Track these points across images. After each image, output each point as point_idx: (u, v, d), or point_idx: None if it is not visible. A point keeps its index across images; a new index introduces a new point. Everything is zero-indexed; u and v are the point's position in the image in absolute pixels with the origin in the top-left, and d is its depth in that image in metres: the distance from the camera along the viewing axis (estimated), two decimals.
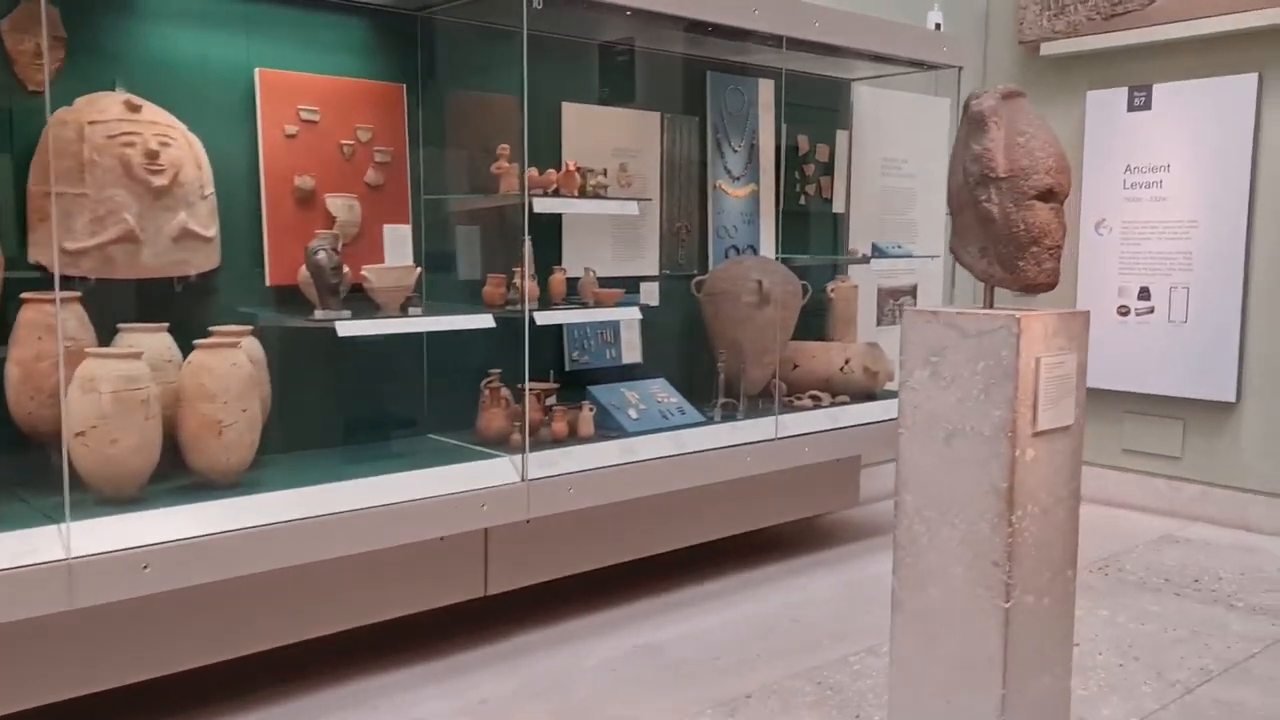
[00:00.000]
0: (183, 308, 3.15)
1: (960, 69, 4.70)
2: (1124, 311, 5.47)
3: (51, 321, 2.69)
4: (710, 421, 4.08)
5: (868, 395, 4.64)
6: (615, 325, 4.28)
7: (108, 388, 2.65)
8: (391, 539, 3.05)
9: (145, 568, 2.55)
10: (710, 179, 4.56)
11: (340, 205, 3.43)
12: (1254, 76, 4.98)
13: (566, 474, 3.46)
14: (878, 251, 4.75)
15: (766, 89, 4.72)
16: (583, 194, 3.75)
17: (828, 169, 5.02)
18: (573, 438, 3.68)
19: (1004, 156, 2.16)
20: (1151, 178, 5.33)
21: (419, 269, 3.44)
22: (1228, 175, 5.07)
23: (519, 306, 3.48)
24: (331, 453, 3.43)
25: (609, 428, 3.86)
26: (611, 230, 4.28)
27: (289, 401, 3.32)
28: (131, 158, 2.92)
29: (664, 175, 4.43)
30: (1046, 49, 5.66)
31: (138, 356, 2.77)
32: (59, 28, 2.91)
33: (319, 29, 3.43)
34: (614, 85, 4.24)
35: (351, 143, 3.47)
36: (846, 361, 4.65)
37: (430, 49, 3.66)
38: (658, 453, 3.73)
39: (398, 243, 3.57)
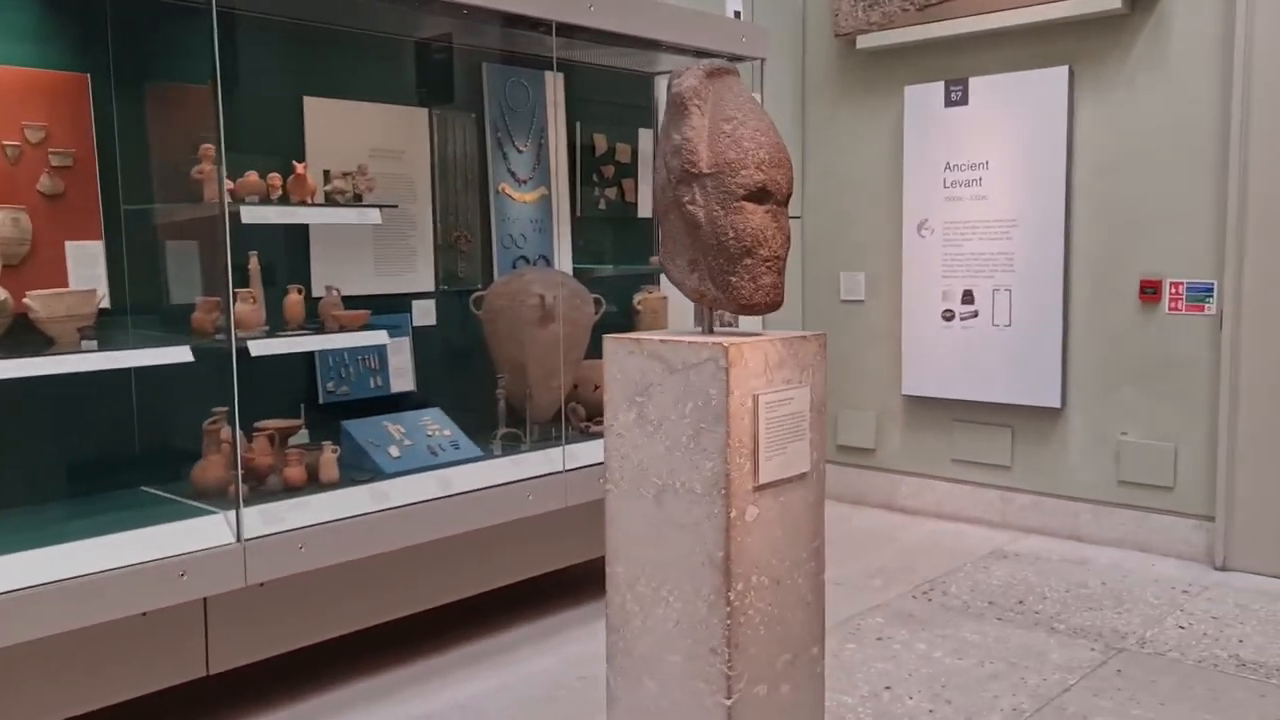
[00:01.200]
0: None
1: (762, 60, 4.36)
2: (948, 316, 5.23)
3: None
4: (488, 456, 3.62)
5: None
6: (380, 351, 3.77)
7: None
8: (60, 622, 2.48)
9: None
10: (492, 182, 4.10)
11: (2, 219, 2.83)
12: (1065, 69, 4.78)
13: (296, 529, 2.94)
14: None
15: (555, 83, 4.29)
16: (329, 201, 3.24)
17: (630, 171, 4.62)
18: (313, 484, 3.16)
19: (707, 148, 1.76)
20: (971, 175, 5.10)
21: (100, 293, 2.88)
22: (1044, 171, 4.87)
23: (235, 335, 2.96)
24: (13, 515, 2.82)
25: (363, 469, 3.36)
26: (375, 242, 3.77)
27: None
28: None
29: (436, 178, 3.94)
30: (863, 42, 5.39)
31: None
32: None
33: None
34: (370, 77, 3.74)
35: (17, 144, 2.89)
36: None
37: (125, 32, 3.10)
38: (417, 496, 3.25)
39: (85, 261, 3.00)
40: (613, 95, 4.56)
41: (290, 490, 3.09)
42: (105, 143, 3.07)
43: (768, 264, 1.77)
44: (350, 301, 3.62)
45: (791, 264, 5.68)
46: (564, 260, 4.33)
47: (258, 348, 2.93)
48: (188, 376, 2.93)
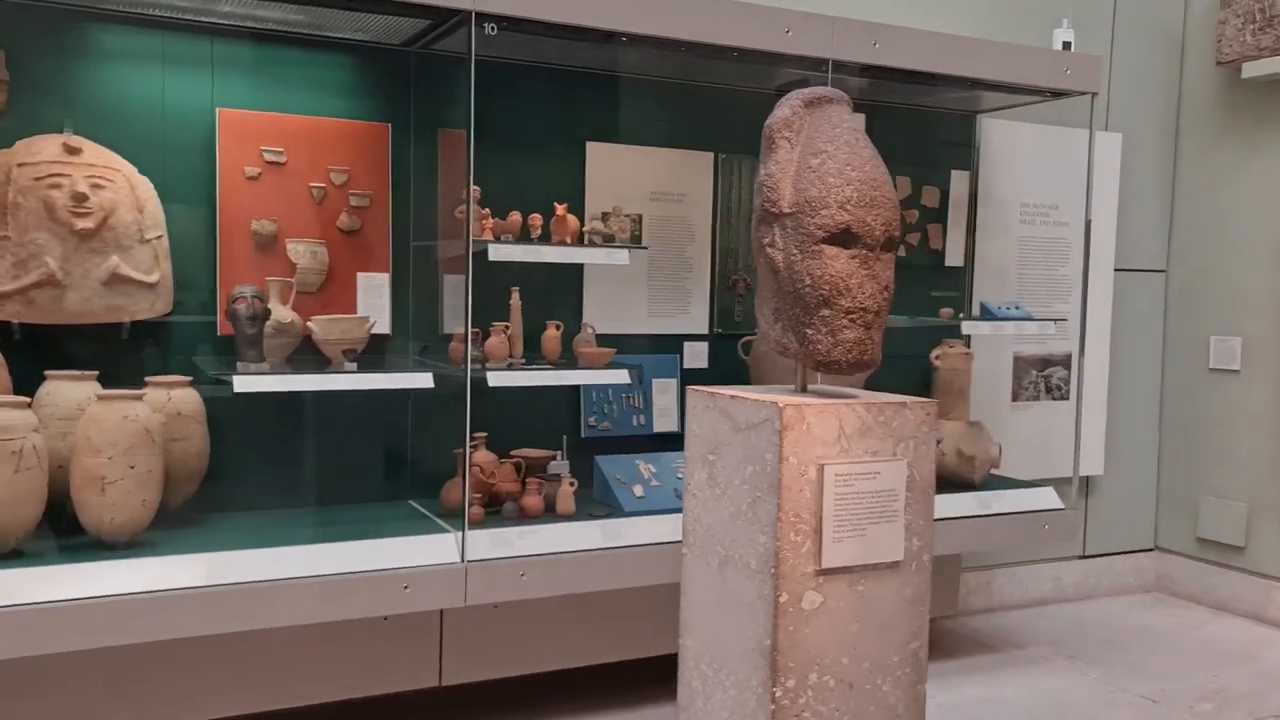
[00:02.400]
0: (129, 355, 3.06)
1: (1093, 95, 3.87)
2: None
3: None
4: None
5: (963, 485, 3.87)
6: (644, 389, 3.81)
7: None
8: (280, 618, 2.75)
9: None
10: None
11: (301, 251, 3.23)
12: None
13: (520, 556, 3.03)
14: (986, 313, 3.97)
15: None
16: (585, 242, 3.35)
17: (938, 215, 4.30)
18: (549, 514, 3.25)
19: (791, 185, 1.56)
20: None
21: (372, 320, 3.17)
22: None
23: (483, 364, 3.13)
24: (274, 515, 3.19)
25: (606, 504, 3.40)
26: (649, 283, 3.83)
27: (230, 459, 3.14)
28: (56, 200, 2.85)
29: (716, 221, 3.93)
30: (1250, 70, 4.61)
31: (22, 405, 2.66)
32: (2, 70, 2.91)
33: (296, 66, 3.28)
34: (653, 122, 3.82)
35: (323, 185, 3.28)
36: (936, 443, 3.89)
37: (425, 85, 3.41)
38: (648, 538, 3.22)
39: (372, 292, 3.32)
40: (920, 136, 4.28)
41: (526, 518, 3.20)
42: (400, 185, 3.39)
43: (851, 316, 1.54)
44: (621, 341, 3.70)
45: (1151, 325, 5.00)
46: None
47: (494, 379, 3.08)
48: (456, 401, 3.12)
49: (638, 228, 3.77)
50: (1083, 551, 5.00)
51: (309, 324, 3.08)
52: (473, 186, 3.03)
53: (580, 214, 3.49)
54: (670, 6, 3.14)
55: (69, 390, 2.86)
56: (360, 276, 3.30)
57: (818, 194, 1.55)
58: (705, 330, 3.94)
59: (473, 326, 3.28)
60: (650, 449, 3.70)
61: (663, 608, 3.30)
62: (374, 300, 3.32)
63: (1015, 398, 4.62)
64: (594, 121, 3.70)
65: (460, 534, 2.99)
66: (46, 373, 2.90)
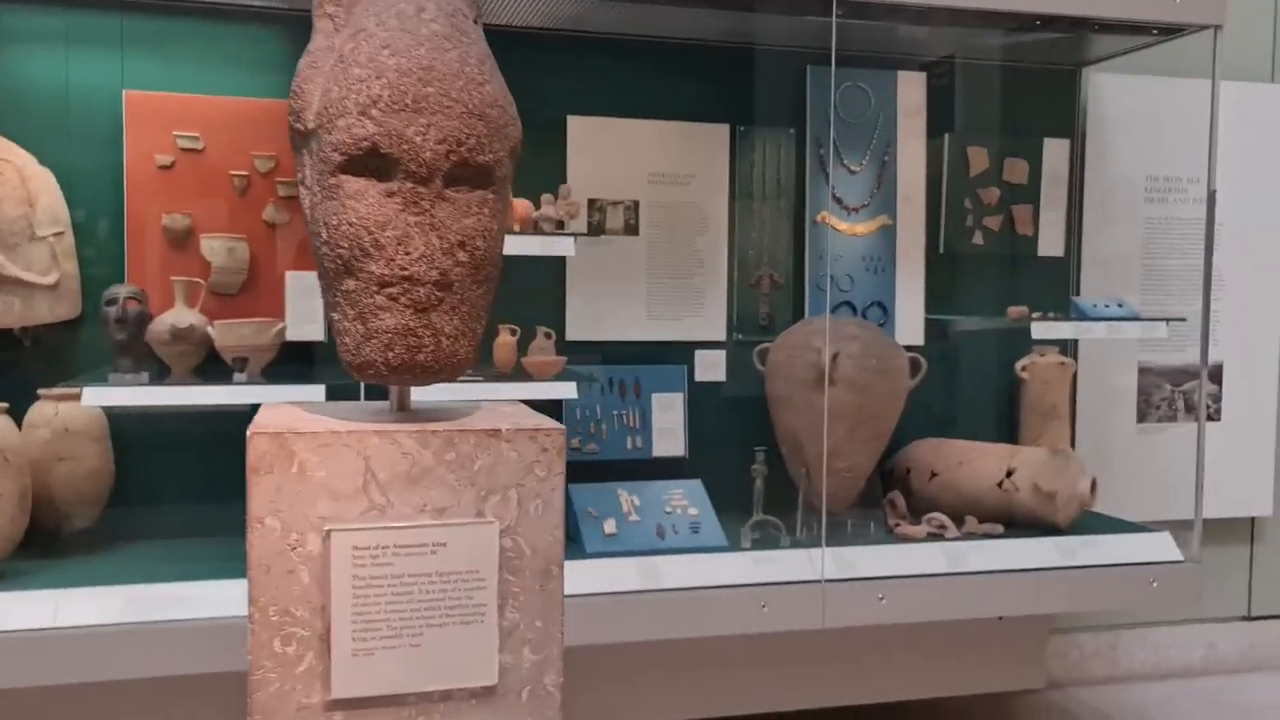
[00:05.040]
0: (32, 364, 2.78)
1: (1217, 28, 2.99)
2: None
3: None
4: (731, 548, 2.88)
5: (1047, 529, 3.06)
6: (642, 405, 3.23)
7: None
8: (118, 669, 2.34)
9: None
10: (809, 211, 3.34)
11: (217, 247, 2.86)
12: None
13: None
14: (1078, 312, 3.15)
15: (911, 84, 3.38)
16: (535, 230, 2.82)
17: (1027, 194, 3.49)
18: None
19: (321, 88, 0.98)
20: None
21: (280, 324, 2.76)
22: None
23: None
24: (173, 547, 2.80)
25: (570, 541, 2.85)
26: (649, 280, 3.26)
27: (139, 482, 2.81)
28: None
29: (735, 207, 3.31)
30: None
31: None
32: None
33: (214, 41, 2.92)
34: (654, 90, 3.24)
35: (246, 173, 2.90)
36: (1008, 474, 3.11)
37: None
38: (603, 586, 2.64)
39: (303, 292, 2.92)
40: (1002, 97, 3.50)
41: None
42: None
43: (389, 291, 0.94)
44: (610, 349, 3.17)
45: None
46: (912, 307, 3.39)
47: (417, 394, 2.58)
48: None
49: (632, 215, 3.21)
50: (1247, 613, 4.00)
51: (208, 328, 2.69)
52: None
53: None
54: None
55: None
56: (289, 276, 2.91)
57: (338, 95, 0.97)
58: (722, 336, 3.32)
59: None
60: (650, 477, 3.12)
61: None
62: (307, 302, 2.91)
63: (1142, 418, 3.72)
64: (577, 91, 3.16)
65: None
66: None
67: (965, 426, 3.45)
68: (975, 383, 3.54)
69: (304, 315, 2.90)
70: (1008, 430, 3.51)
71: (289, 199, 2.94)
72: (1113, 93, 3.58)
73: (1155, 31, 3.07)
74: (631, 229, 3.20)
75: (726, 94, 3.28)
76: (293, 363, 2.84)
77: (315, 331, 2.89)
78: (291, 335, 2.81)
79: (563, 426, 1.33)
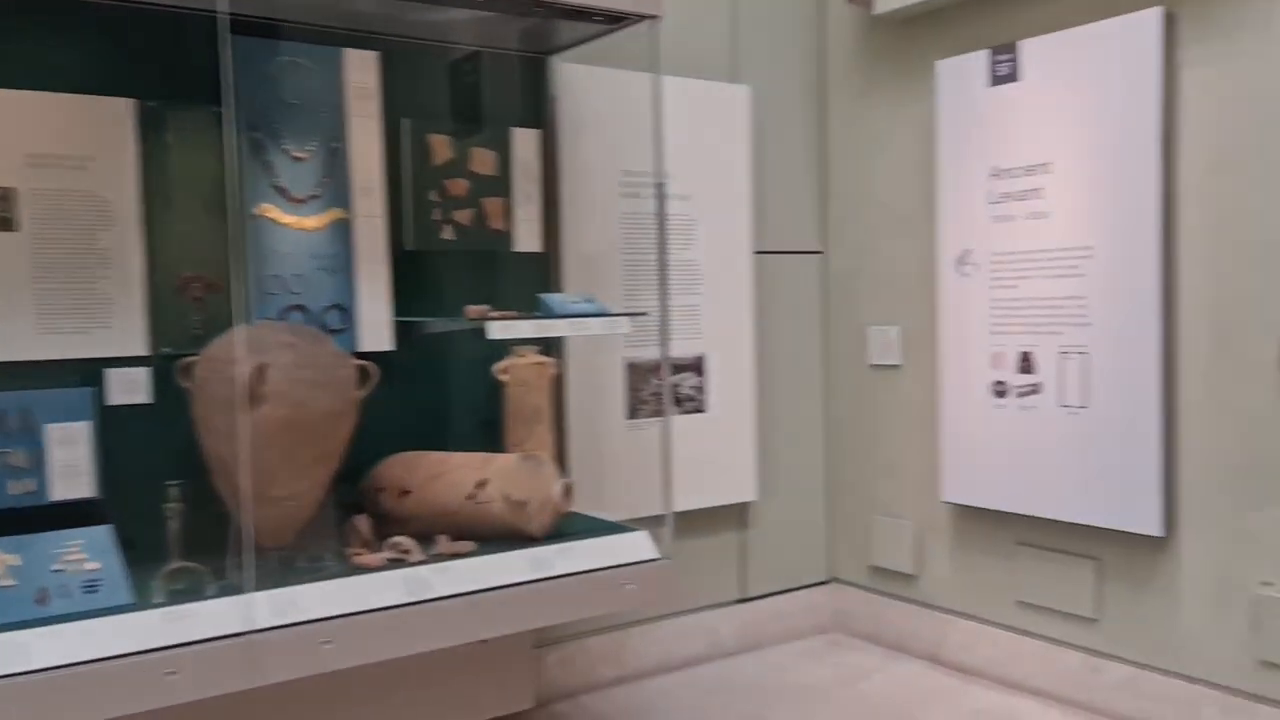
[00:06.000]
0: None
1: (655, 18, 2.96)
2: (1000, 390, 3.57)
3: None
4: (138, 606, 2.37)
5: (519, 536, 2.86)
6: (31, 440, 2.62)
7: None
8: None
9: None
10: (244, 203, 2.90)
11: None
12: (1158, 11, 3.10)
13: None
14: (545, 309, 2.99)
15: (360, 64, 3.06)
16: None
17: (498, 187, 3.31)
18: None
19: None
20: (1027, 184, 3.46)
21: None
22: (1130, 170, 3.18)
23: None
24: None
25: None
26: (37, 288, 2.65)
27: None
28: None
29: (151, 198, 2.79)
30: (882, 5, 3.86)
31: None
32: None
33: None
34: (34, 57, 2.65)
35: None
36: (480, 485, 2.88)
37: None
38: None
39: None
40: (466, 83, 3.29)
41: None
42: None
43: None
44: None
45: (807, 318, 4.21)
46: (377, 309, 3.07)
47: None
48: None
49: (7, 207, 2.59)
50: (743, 594, 4.13)
51: None
52: None
53: None
54: None
55: None
56: None
57: None
58: (144, 350, 2.79)
59: None
60: (47, 527, 2.51)
61: None
62: None
63: (633, 415, 3.69)
64: None
65: None
66: None
67: (450, 437, 3.20)
68: (457, 389, 3.31)
69: None
70: (495, 438, 3.30)
71: None
72: (582, 84, 3.50)
73: (599, 19, 2.97)
74: (5, 223, 2.58)
75: (131, 63, 2.76)
76: None
77: None
78: None
79: None
